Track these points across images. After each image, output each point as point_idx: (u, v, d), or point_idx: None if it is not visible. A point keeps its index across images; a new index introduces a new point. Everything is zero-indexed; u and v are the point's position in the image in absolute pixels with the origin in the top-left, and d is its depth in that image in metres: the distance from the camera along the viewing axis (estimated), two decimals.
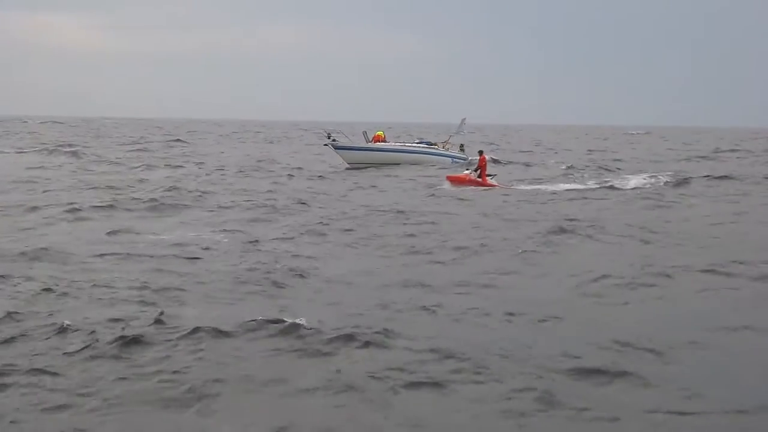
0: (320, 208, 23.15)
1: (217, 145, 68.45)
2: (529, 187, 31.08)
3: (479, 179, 31.24)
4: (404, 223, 19.87)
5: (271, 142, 77.32)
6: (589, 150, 67.60)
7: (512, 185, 31.77)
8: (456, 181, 31.26)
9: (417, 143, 46.77)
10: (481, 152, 33.68)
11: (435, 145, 46.07)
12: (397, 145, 44.99)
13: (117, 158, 45.03)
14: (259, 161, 45.66)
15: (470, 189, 29.95)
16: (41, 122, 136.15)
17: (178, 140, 71.28)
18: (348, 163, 41.91)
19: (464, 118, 48.79)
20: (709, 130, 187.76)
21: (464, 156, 45.05)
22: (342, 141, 43.01)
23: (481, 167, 31.83)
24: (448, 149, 45.64)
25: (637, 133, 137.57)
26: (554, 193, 28.85)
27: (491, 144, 71.89)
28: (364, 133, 46.43)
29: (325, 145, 43.68)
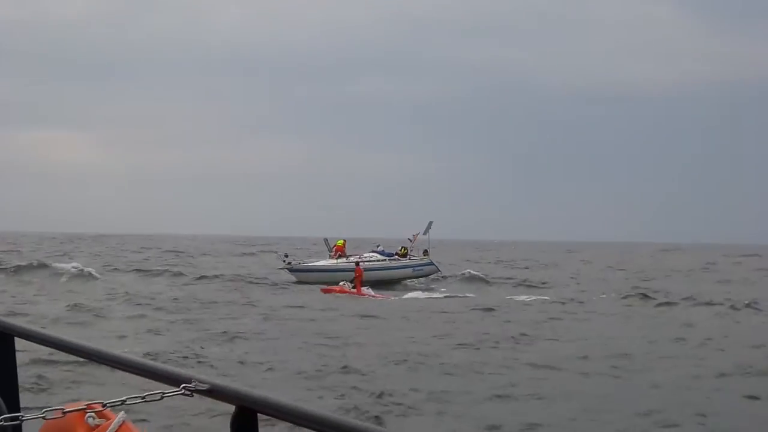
0: None
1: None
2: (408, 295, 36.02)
3: (353, 290, 33.63)
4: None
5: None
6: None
7: (387, 297, 34.76)
8: (330, 293, 33.71)
9: (376, 250, 45.58)
10: (357, 264, 36.51)
11: (400, 251, 45.09)
12: (354, 262, 44.16)
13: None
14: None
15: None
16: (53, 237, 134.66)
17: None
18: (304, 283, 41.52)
19: (431, 221, 47.43)
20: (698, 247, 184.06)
21: (428, 260, 44.02)
22: (298, 263, 42.82)
23: (356, 278, 34.71)
24: (411, 252, 44.44)
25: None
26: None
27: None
28: (326, 240, 46.04)
29: (280, 269, 43.38)
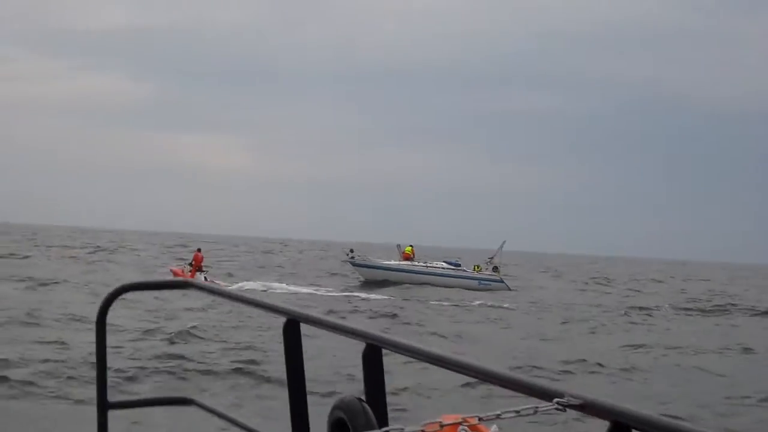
0: None
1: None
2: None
3: (189, 274, 36.17)
4: None
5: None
6: None
7: (222, 283, 34.87)
8: (174, 273, 37.04)
9: (443, 262, 45.90)
10: (198, 249, 39.21)
11: (475, 268, 44.96)
12: (419, 266, 44.02)
13: None
14: None
15: None
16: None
17: None
18: (365, 279, 41.70)
19: (504, 241, 48.13)
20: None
21: (497, 277, 43.75)
22: (362, 259, 42.93)
23: (193, 264, 37.28)
24: (480, 270, 44.58)
25: None
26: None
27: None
28: (398, 246, 46.87)
29: (343, 261, 43.79)
